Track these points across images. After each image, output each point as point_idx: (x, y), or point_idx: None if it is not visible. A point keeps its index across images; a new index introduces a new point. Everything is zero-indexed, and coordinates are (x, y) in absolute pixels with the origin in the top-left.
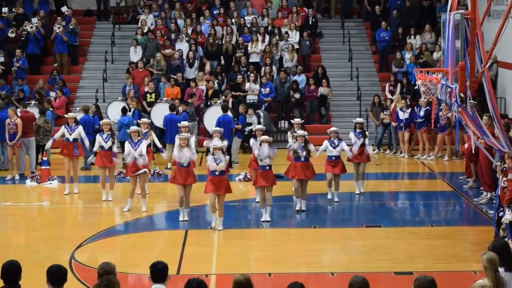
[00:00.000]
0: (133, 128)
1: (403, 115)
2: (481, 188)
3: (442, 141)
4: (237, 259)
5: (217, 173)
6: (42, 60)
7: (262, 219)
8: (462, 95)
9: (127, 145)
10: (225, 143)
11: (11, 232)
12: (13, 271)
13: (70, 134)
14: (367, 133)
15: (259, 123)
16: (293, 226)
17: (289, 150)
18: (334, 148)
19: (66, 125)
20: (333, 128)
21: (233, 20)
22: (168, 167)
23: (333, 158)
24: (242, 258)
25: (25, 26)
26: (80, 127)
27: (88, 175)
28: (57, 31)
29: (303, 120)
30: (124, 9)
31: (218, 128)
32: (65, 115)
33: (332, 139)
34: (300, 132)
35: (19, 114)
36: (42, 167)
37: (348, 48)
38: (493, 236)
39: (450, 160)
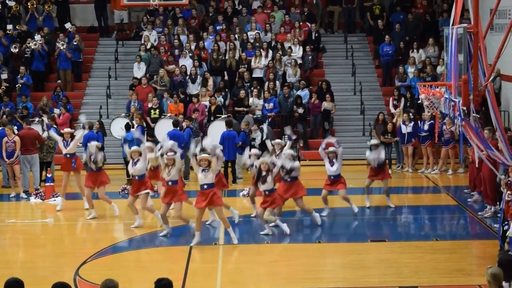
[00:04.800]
0: (134, 148)
1: (405, 129)
2: (485, 201)
3: (446, 155)
4: (242, 275)
5: (205, 186)
6: (46, 77)
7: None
8: (465, 108)
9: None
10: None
11: (16, 249)
12: None
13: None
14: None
15: (262, 138)
16: (297, 241)
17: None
18: (332, 166)
19: (63, 140)
20: (331, 149)
21: (236, 36)
22: None
23: (332, 177)
24: (247, 274)
25: (29, 43)
26: (75, 138)
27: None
28: (61, 48)
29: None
30: (127, 26)
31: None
32: (61, 131)
33: (330, 158)
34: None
35: (16, 132)
36: (46, 184)
37: (351, 63)
38: (498, 250)
39: (454, 174)
